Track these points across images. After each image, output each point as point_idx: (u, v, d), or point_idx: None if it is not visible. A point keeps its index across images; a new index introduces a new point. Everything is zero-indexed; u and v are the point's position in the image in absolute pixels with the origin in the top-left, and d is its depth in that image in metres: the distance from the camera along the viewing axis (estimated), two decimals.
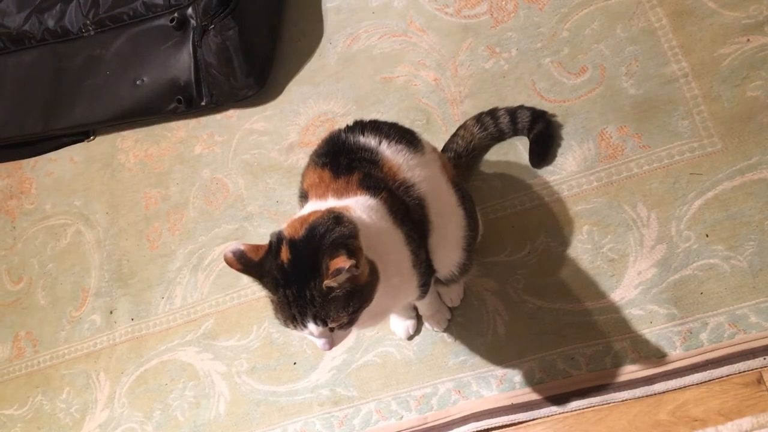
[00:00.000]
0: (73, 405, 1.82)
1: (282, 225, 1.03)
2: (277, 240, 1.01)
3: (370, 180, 1.14)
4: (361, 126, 1.24)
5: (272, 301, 1.03)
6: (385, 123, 1.27)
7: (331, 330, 1.02)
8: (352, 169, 1.15)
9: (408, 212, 1.16)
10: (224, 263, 1.01)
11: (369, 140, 1.21)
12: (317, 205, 1.12)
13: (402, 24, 1.92)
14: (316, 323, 0.99)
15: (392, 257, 1.09)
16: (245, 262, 1.00)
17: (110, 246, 1.99)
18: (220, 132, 2.02)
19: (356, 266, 0.95)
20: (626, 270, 1.42)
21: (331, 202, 1.11)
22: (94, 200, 2.09)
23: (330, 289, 0.97)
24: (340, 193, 1.13)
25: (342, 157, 1.18)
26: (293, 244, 1.00)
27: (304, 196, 1.20)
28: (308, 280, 0.97)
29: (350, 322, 1.03)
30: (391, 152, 1.19)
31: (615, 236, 1.46)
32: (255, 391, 1.63)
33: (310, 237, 1.00)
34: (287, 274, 0.98)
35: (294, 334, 1.63)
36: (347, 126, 1.26)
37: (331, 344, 1.03)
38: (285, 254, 0.99)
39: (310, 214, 1.04)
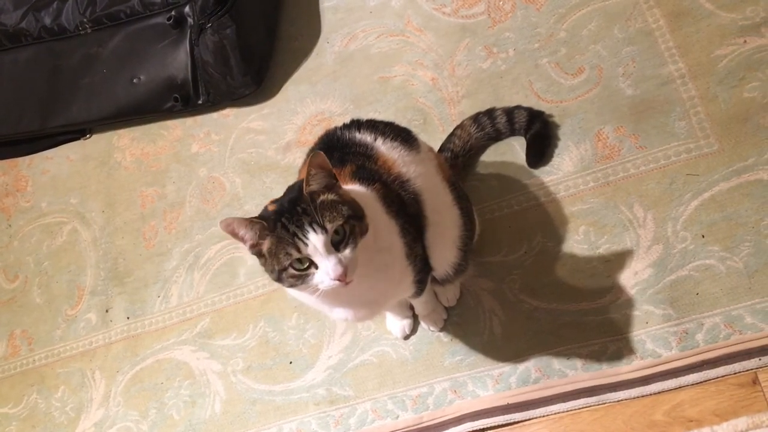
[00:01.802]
0: (68, 403, 1.82)
1: None
2: (264, 208, 1.06)
3: (363, 171, 1.15)
4: (357, 124, 1.25)
5: (269, 251, 1.02)
6: (381, 121, 1.27)
7: (337, 249, 1.00)
8: (345, 162, 1.16)
9: (403, 205, 1.16)
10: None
11: (364, 136, 1.22)
12: None
13: (399, 24, 1.91)
14: (315, 230, 0.98)
15: (381, 228, 1.10)
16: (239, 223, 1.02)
17: (106, 244, 1.99)
18: (216, 131, 2.01)
19: (332, 172, 1.02)
20: (622, 270, 1.42)
21: None
22: (90, 198, 2.09)
23: (314, 194, 1.00)
24: None
25: (336, 152, 1.19)
26: (276, 200, 1.05)
27: None
28: (297, 201, 1.01)
29: (352, 235, 1.01)
30: (386, 148, 1.20)
31: (611, 237, 1.46)
32: (251, 390, 1.63)
33: (289, 189, 1.06)
34: (278, 212, 1.01)
35: (291, 336, 1.63)
36: (344, 124, 1.27)
37: (343, 266, 1.00)
38: (271, 206, 1.04)
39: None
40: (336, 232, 1.00)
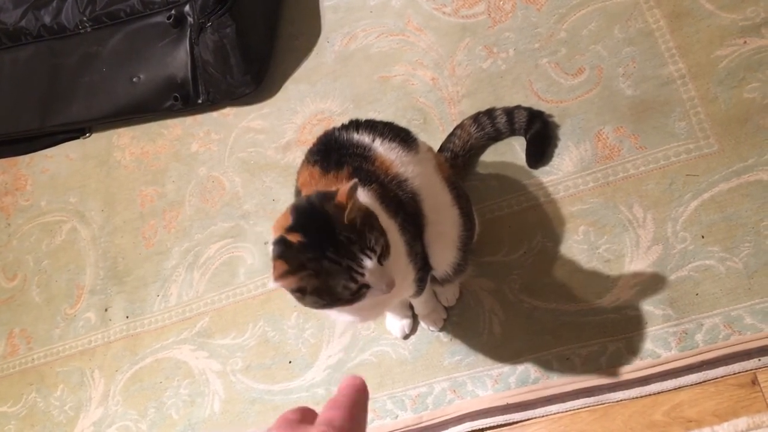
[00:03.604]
0: (67, 402, 1.82)
1: None
2: (280, 241, 1.00)
3: (360, 173, 1.14)
4: (356, 124, 1.25)
5: (315, 288, 0.99)
6: (380, 122, 1.27)
7: (381, 263, 1.00)
8: (342, 164, 1.15)
9: (401, 204, 1.16)
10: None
11: (363, 137, 1.21)
12: None
13: (400, 23, 1.91)
14: (368, 255, 0.98)
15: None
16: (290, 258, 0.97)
17: (105, 243, 1.99)
18: (216, 130, 2.01)
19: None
20: (622, 270, 1.42)
21: None
22: (89, 197, 2.09)
23: (353, 220, 0.98)
24: (329, 188, 1.12)
25: (333, 154, 1.18)
26: (293, 228, 0.99)
27: (298, 194, 1.20)
28: (331, 230, 0.97)
29: (387, 247, 1.02)
30: (384, 149, 1.19)
31: (611, 237, 1.46)
32: (250, 390, 1.63)
33: (305, 213, 1.01)
34: (315, 247, 0.98)
35: (290, 336, 1.63)
36: (342, 124, 1.26)
37: (391, 279, 1.01)
38: (295, 237, 0.98)
39: (281, 214, 1.04)
40: None
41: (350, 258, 0.98)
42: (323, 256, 0.97)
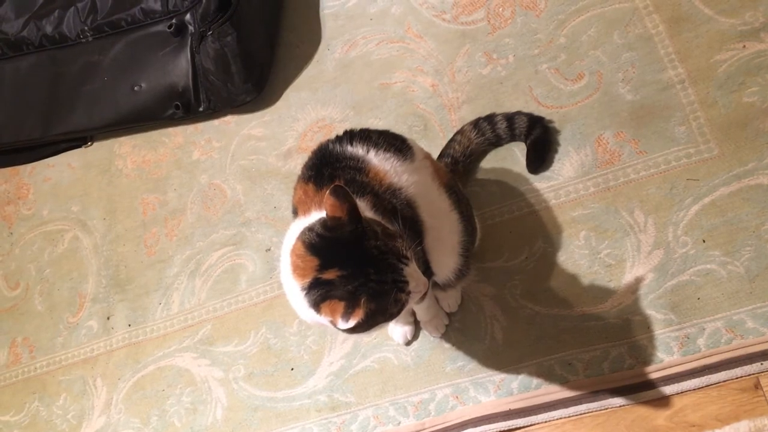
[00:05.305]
0: (69, 411, 1.82)
1: (279, 231, 1.00)
2: (316, 284, 0.99)
3: (353, 185, 1.13)
4: (350, 136, 1.24)
5: (369, 312, 0.98)
6: (375, 132, 1.27)
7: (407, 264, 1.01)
8: (334, 178, 1.15)
9: (396, 212, 1.16)
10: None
11: (356, 149, 1.21)
12: (302, 222, 1.11)
13: (400, 30, 1.92)
14: (405, 263, 0.99)
15: None
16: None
17: (108, 252, 1.99)
18: (218, 138, 2.02)
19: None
20: (623, 275, 1.42)
21: (314, 215, 1.10)
22: (91, 206, 2.09)
23: (374, 231, 1.00)
24: (322, 205, 1.12)
25: (326, 169, 1.18)
26: (325, 266, 0.99)
27: (295, 212, 1.21)
28: (360, 251, 0.98)
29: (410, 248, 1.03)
30: (378, 160, 1.19)
31: (612, 242, 1.46)
32: (252, 397, 1.63)
33: (321, 247, 1.01)
34: (353, 275, 0.98)
35: (292, 343, 1.63)
36: (336, 136, 1.26)
37: (425, 279, 1.03)
38: (332, 274, 0.98)
39: (294, 257, 1.03)
40: None
41: (392, 271, 0.98)
42: (368, 279, 0.97)
